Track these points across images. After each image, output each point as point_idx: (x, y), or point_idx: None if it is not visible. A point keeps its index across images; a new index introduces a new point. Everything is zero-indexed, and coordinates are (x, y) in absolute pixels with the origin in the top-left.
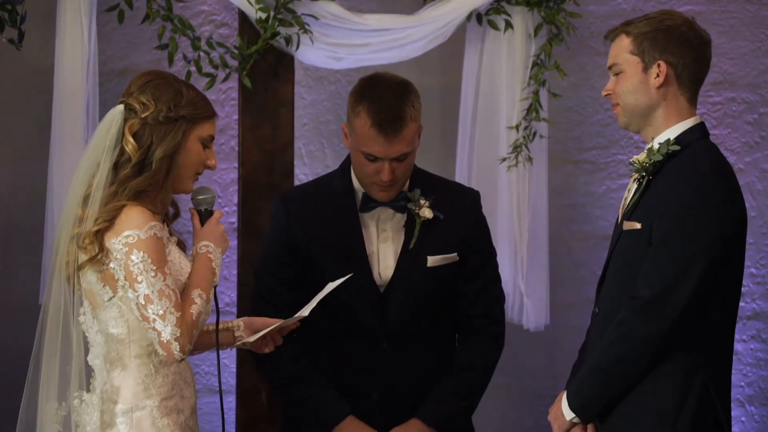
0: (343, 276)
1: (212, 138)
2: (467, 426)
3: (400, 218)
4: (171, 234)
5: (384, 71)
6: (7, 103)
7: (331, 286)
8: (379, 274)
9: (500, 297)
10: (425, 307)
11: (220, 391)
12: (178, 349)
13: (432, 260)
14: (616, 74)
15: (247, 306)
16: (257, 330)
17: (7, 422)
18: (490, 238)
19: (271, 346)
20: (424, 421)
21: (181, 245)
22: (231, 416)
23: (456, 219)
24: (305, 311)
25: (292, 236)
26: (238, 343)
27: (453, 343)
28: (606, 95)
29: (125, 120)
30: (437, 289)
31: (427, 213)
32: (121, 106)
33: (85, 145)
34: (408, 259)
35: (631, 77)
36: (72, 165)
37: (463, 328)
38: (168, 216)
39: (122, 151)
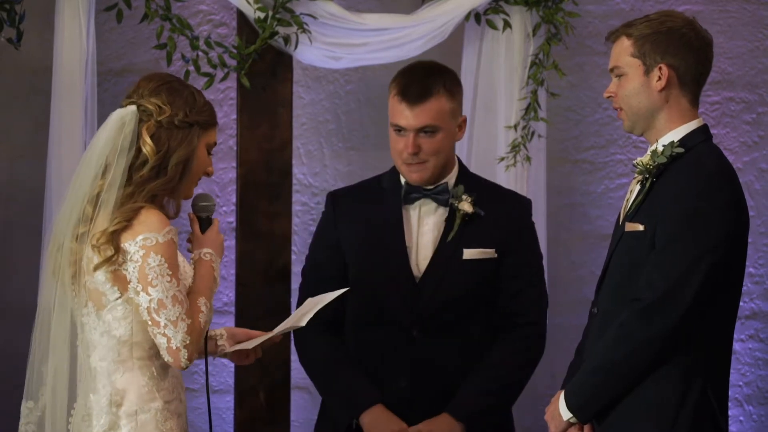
0: (341, 287)
1: (215, 145)
2: (503, 421)
3: (443, 212)
4: None
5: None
6: (5, 103)
7: (327, 298)
8: (417, 264)
9: (539, 300)
10: (458, 299)
11: (208, 396)
12: (186, 357)
13: (468, 253)
14: (618, 77)
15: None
16: (239, 340)
17: (5, 423)
18: (538, 247)
19: (252, 358)
20: (454, 415)
21: None
22: (229, 416)
23: (501, 220)
24: (301, 322)
25: (336, 233)
26: (220, 352)
27: (488, 341)
28: (608, 97)
29: (140, 121)
30: (471, 282)
31: (467, 207)
32: (133, 107)
33: (84, 145)
34: (445, 250)
35: (632, 80)
36: (70, 165)
37: (500, 326)
38: None
39: (137, 153)
